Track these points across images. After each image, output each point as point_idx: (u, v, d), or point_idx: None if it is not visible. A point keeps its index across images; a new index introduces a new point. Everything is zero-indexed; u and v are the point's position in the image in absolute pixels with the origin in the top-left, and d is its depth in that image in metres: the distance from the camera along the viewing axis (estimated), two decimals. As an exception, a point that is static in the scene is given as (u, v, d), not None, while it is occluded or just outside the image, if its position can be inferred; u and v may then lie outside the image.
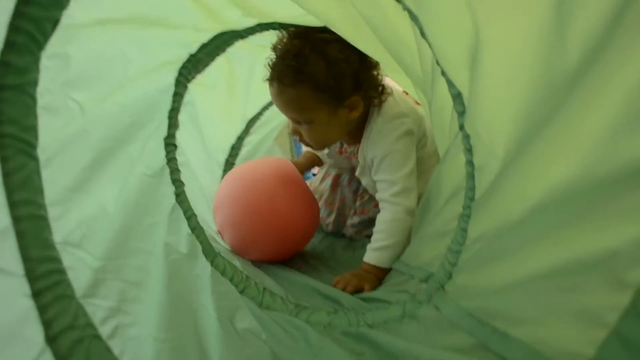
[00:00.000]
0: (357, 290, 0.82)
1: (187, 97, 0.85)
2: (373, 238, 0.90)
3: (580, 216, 0.32)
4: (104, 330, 0.35)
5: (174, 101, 0.78)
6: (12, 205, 0.31)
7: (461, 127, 0.51)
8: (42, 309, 0.31)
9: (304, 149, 1.33)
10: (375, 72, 0.87)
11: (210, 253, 0.80)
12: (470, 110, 0.45)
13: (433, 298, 0.62)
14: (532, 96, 0.33)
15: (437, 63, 0.51)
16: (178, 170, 0.79)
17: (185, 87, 0.82)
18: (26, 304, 0.31)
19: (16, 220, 0.32)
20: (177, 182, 0.77)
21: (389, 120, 0.90)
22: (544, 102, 0.32)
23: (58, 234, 0.35)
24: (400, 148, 0.89)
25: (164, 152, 0.70)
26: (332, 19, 0.63)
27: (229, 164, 1.33)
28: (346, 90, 0.80)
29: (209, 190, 1.10)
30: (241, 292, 0.79)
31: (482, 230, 0.51)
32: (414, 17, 0.46)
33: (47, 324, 0.31)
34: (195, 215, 0.82)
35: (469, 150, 0.52)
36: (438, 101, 0.59)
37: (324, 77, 0.76)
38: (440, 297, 0.59)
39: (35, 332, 0.31)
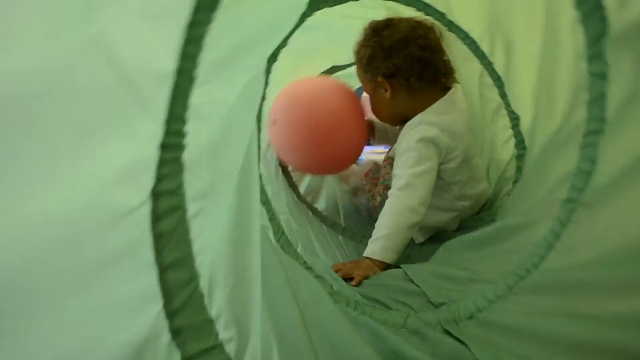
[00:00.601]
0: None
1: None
2: None
3: None
4: (190, 208, 0.35)
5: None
6: (182, 56, 0.31)
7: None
8: (160, 164, 0.31)
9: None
10: (402, 64, 0.92)
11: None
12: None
13: (443, 326, 0.61)
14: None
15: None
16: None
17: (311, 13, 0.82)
18: (151, 153, 0.31)
19: (179, 71, 0.31)
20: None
21: (422, 122, 0.93)
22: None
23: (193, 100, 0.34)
24: (419, 148, 0.90)
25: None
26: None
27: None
28: (374, 72, 0.96)
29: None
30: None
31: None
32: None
33: (159, 179, 0.31)
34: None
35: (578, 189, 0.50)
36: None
37: (360, 58, 0.98)
38: (456, 329, 0.58)
39: (146, 183, 0.31)
